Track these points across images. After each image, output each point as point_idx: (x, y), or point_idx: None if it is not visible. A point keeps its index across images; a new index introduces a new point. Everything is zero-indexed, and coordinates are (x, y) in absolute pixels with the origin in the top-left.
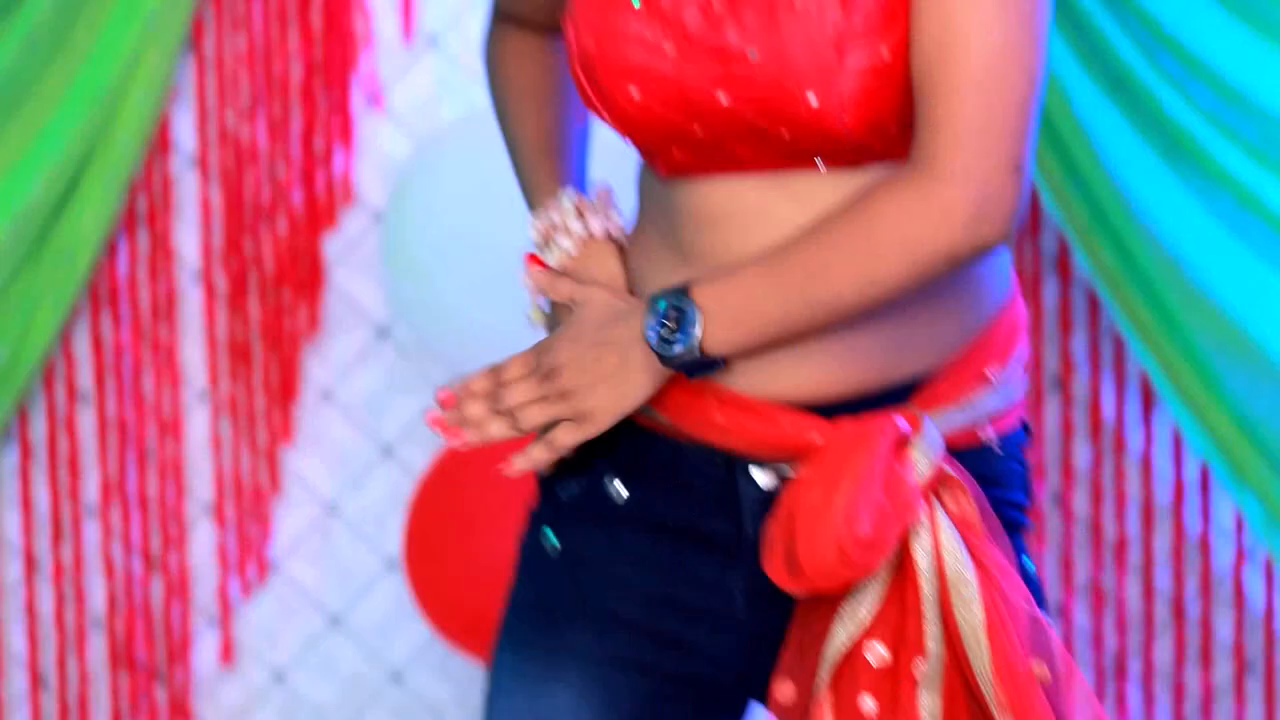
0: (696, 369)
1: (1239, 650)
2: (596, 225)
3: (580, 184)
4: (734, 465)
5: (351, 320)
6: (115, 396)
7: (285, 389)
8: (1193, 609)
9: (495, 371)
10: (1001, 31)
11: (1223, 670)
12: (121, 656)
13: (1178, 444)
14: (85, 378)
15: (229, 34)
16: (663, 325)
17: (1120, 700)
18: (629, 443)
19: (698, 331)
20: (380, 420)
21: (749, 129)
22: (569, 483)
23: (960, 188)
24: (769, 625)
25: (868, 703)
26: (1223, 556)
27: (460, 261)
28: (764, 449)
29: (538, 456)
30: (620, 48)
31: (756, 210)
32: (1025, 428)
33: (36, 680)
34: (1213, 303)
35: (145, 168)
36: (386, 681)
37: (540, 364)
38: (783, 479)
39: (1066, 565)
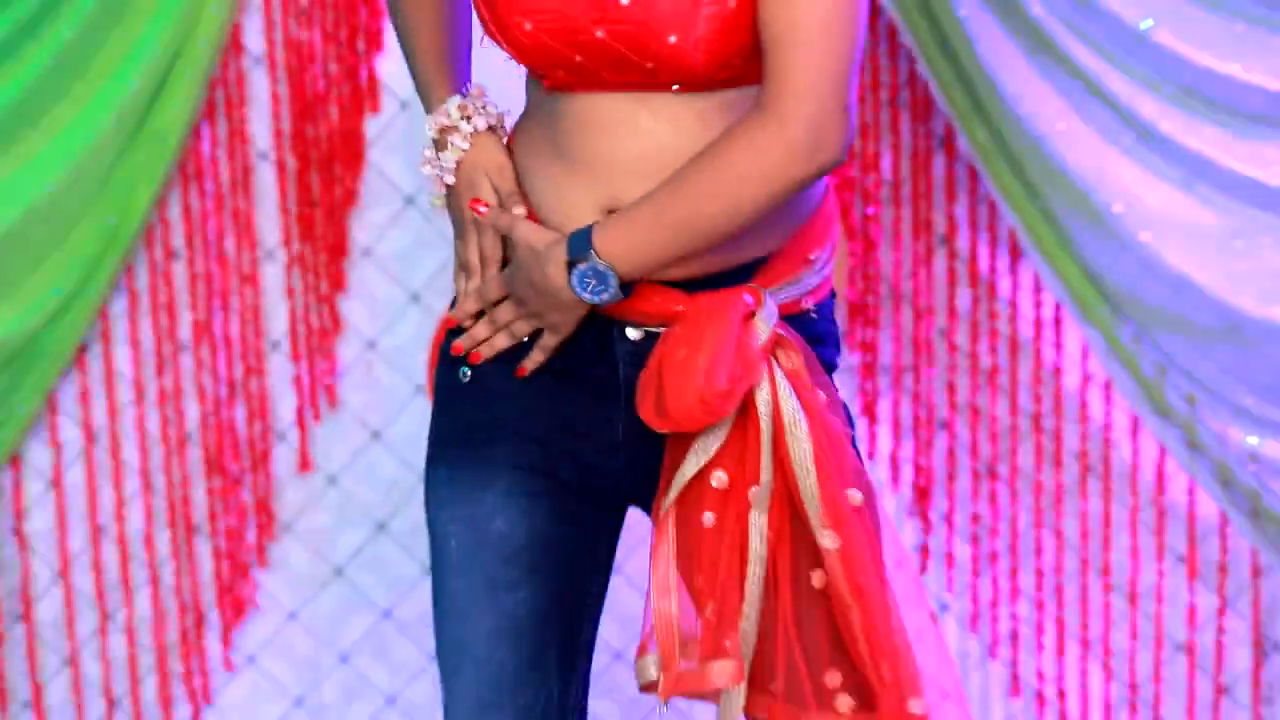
0: (619, 298)
1: (1084, 456)
2: (481, 122)
3: (466, 84)
4: (611, 325)
5: (387, 190)
6: (202, 254)
7: (338, 247)
8: (1048, 423)
9: (481, 292)
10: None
11: (1071, 472)
12: (214, 465)
13: (1037, 289)
14: (178, 239)
15: None
16: (587, 283)
17: (993, 498)
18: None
19: (614, 281)
20: (410, 272)
21: (620, 59)
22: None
23: (802, 128)
24: (643, 453)
25: (708, 517)
26: (1071, 380)
27: None
28: (639, 317)
29: (539, 357)
30: None
31: (621, 120)
32: (832, 294)
33: (147, 485)
34: (1066, 174)
35: (222, 67)
36: (418, 482)
37: (510, 291)
38: (649, 334)
39: (950, 389)
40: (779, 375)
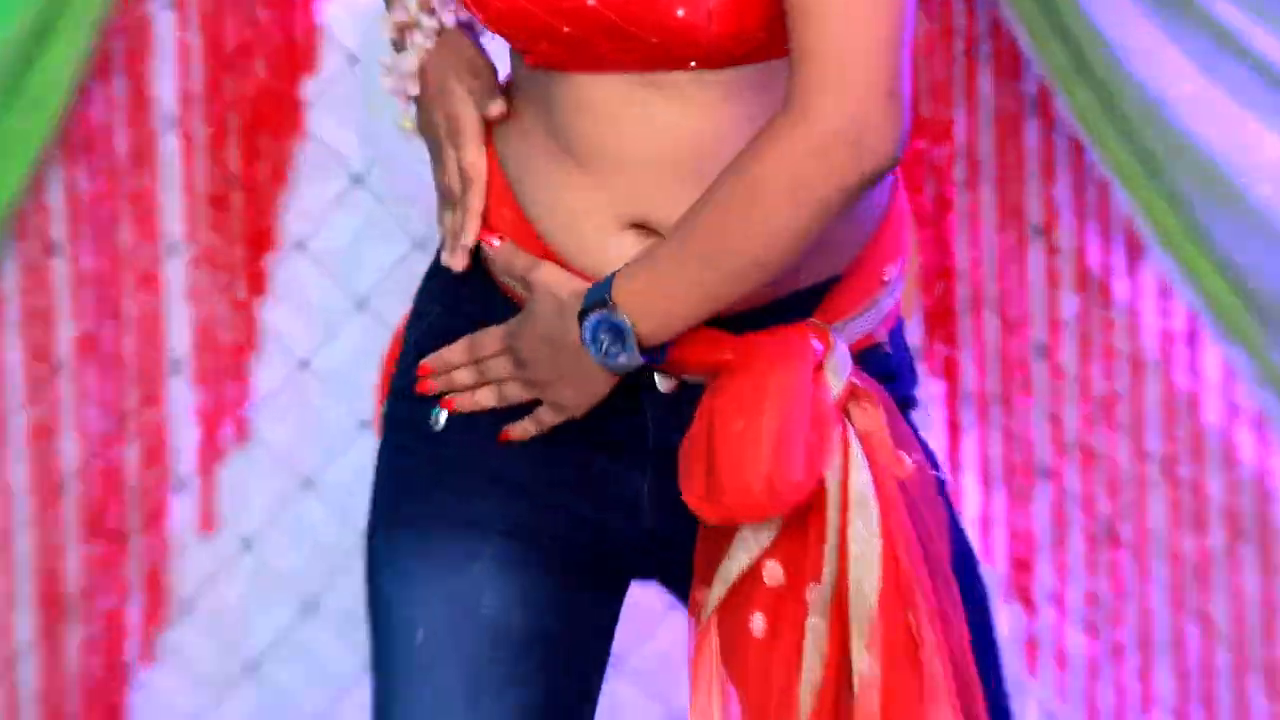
0: (646, 365)
1: (1233, 514)
2: (448, 17)
3: None
4: (637, 373)
5: (328, 167)
6: (90, 248)
7: (261, 239)
8: (1184, 470)
9: (472, 346)
10: None
11: (1217, 536)
12: (93, 523)
13: (1164, 294)
14: (58, 229)
15: None
16: (600, 342)
17: (1114, 570)
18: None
19: (634, 342)
20: (355, 272)
21: (617, 31)
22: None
23: (834, 123)
24: (671, 523)
25: (758, 622)
26: (1212, 413)
27: None
28: (673, 365)
29: (528, 429)
30: None
31: (631, 107)
32: (900, 319)
33: (4, 548)
34: (1195, 147)
35: (120, 7)
36: (359, 545)
37: (511, 348)
38: (683, 382)
39: (1055, 424)
40: (852, 439)
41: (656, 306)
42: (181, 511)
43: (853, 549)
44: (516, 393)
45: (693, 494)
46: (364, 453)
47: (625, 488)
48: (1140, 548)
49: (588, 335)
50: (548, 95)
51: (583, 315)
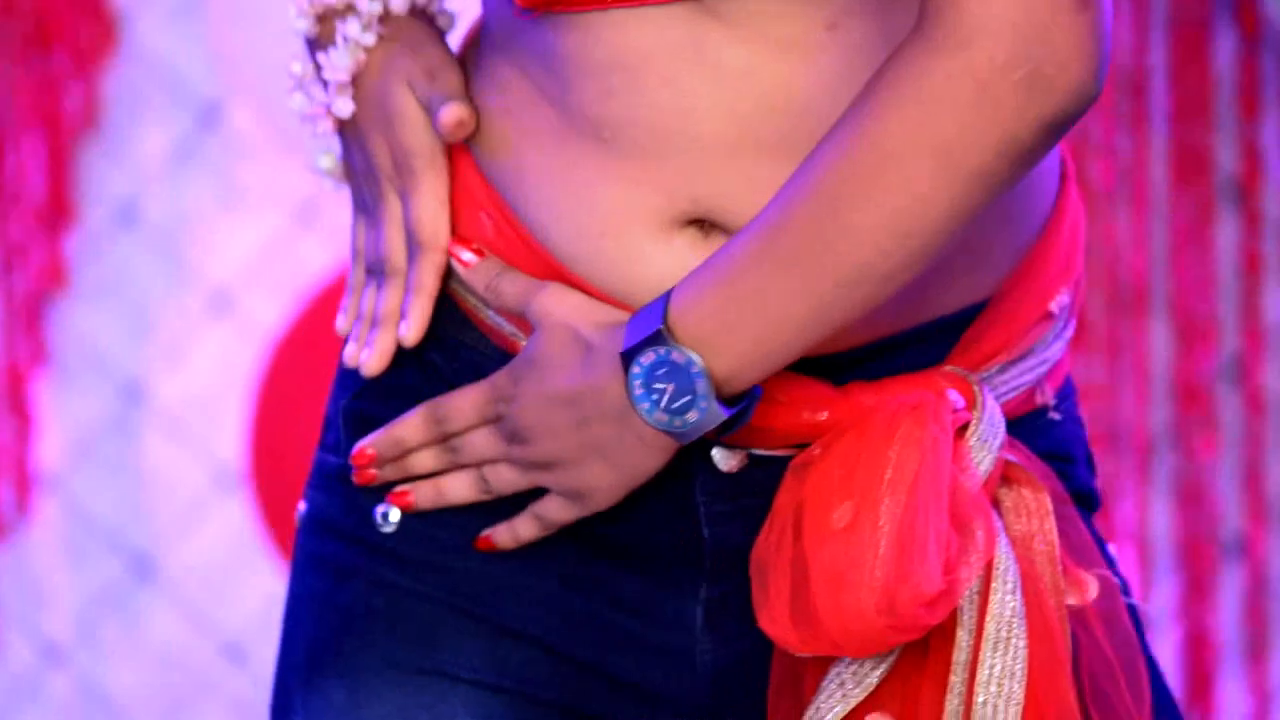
0: (726, 430)
1: None
2: (398, 2)
3: None
4: (687, 447)
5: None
6: None
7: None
8: None
9: (436, 414)
10: None
11: None
12: None
13: None
14: None
15: None
16: (657, 394)
17: None
18: None
19: (709, 389)
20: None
21: None
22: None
23: (1000, 43)
24: (734, 666)
25: None
26: None
27: None
28: (744, 433)
29: (525, 534)
30: None
31: (675, 48)
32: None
33: None
34: None
35: None
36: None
37: (500, 415)
38: (757, 461)
39: (1253, 483)
40: (1001, 543)
41: (738, 336)
42: None
43: (980, 693)
44: (509, 480)
45: (773, 618)
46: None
47: (672, 627)
48: None
49: (637, 386)
50: (553, 51)
51: (627, 357)
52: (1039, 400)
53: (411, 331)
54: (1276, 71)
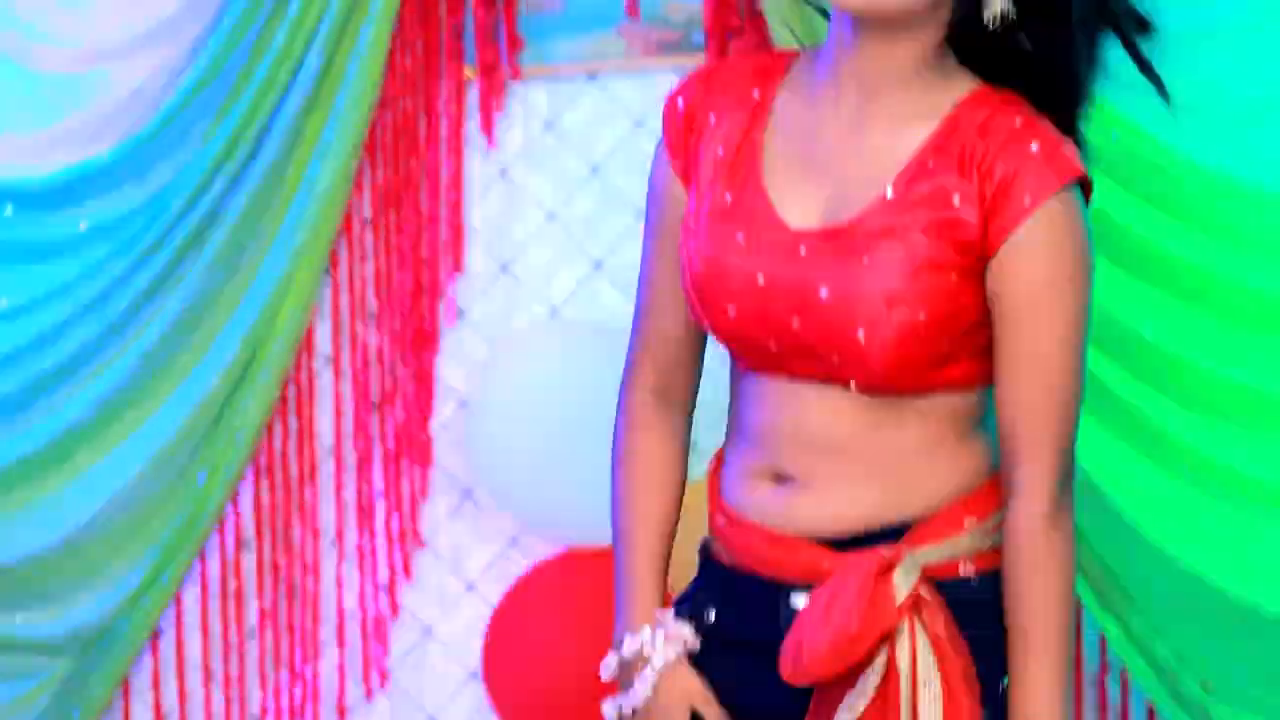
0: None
1: None
2: (672, 652)
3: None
4: (778, 591)
5: (444, 484)
6: (270, 544)
7: (404, 536)
8: None
9: None
10: (1074, 383)
11: None
12: None
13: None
14: (248, 529)
15: (357, 263)
16: None
17: None
18: (709, 578)
19: None
20: (465, 562)
21: (808, 350)
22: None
23: (1057, 505)
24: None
25: None
26: (1092, 666)
27: (527, 439)
28: (790, 573)
29: None
30: (724, 276)
31: (794, 399)
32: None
33: None
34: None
35: (295, 366)
36: None
37: None
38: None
39: None
40: (919, 631)
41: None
42: None
43: (921, 711)
44: None
45: (784, 666)
46: (471, 697)
47: (772, 688)
48: None
49: None
50: (743, 392)
51: None
52: (962, 572)
53: None
54: None
